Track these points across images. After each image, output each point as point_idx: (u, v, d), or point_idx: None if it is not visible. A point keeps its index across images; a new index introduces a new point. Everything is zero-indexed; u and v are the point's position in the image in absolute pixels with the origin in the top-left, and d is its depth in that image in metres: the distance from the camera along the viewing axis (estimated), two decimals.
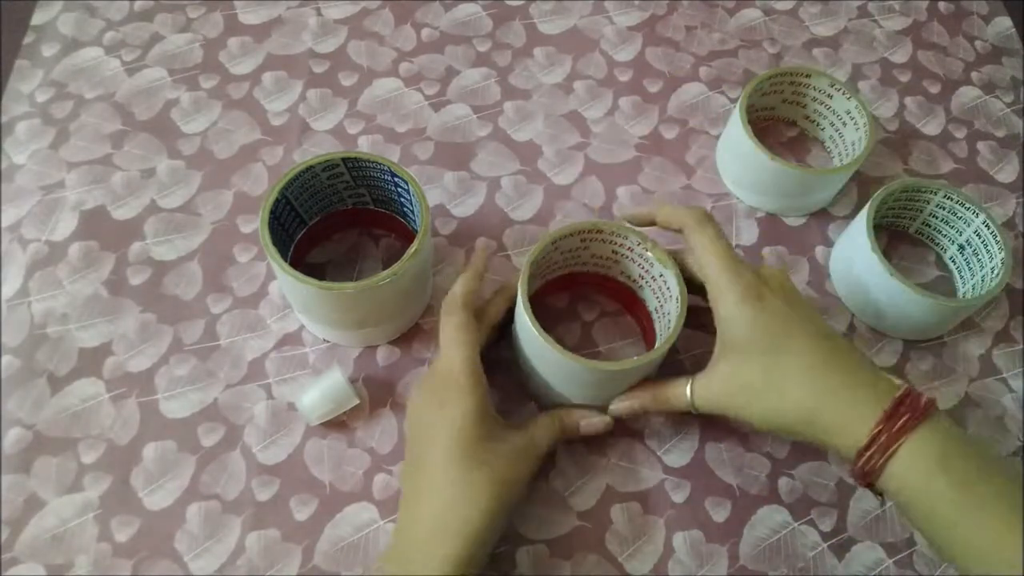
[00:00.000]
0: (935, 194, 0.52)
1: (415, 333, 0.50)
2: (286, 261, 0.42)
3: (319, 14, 0.63)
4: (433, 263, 0.52)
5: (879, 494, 0.39)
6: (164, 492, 0.44)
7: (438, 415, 0.40)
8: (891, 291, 0.48)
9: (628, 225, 0.45)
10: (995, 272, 0.50)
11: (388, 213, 0.51)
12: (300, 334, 0.50)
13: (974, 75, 0.65)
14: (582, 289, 0.52)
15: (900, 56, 0.65)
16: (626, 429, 0.48)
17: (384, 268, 0.42)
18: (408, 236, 0.50)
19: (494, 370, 0.48)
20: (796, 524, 0.46)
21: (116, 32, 0.61)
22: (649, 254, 0.44)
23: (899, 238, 0.56)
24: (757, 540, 0.46)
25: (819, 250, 0.55)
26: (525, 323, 0.41)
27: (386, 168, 0.45)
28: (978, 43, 0.67)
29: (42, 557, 0.42)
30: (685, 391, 0.42)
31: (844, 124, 0.56)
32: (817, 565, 0.45)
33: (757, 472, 0.47)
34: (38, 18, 0.61)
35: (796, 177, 0.52)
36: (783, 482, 0.47)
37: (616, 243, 0.46)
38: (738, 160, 0.55)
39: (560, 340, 0.45)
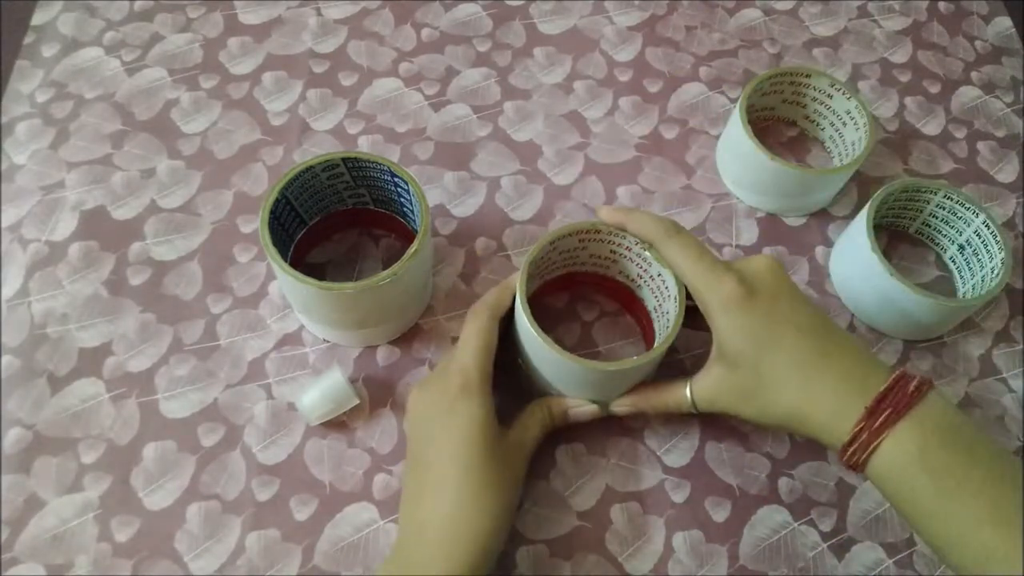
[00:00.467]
0: (935, 194, 0.52)
1: (415, 333, 0.50)
2: (286, 261, 0.42)
3: (319, 14, 0.63)
4: (433, 263, 0.52)
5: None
6: (164, 492, 0.44)
7: (447, 418, 0.40)
8: (891, 291, 0.48)
9: None
10: (995, 272, 0.50)
11: (388, 213, 0.51)
12: (300, 334, 0.50)
13: (974, 75, 0.65)
14: (581, 289, 0.52)
15: (900, 56, 0.65)
16: (626, 429, 0.48)
17: (384, 268, 0.42)
18: (408, 236, 0.50)
19: (498, 371, 0.48)
20: (796, 524, 0.46)
21: (116, 32, 0.61)
22: (647, 253, 0.44)
23: (899, 238, 0.56)
24: (757, 540, 0.46)
25: (819, 250, 0.55)
26: (524, 324, 0.41)
27: (386, 168, 0.45)
28: (978, 43, 0.67)
29: (42, 557, 0.42)
30: (685, 393, 0.42)
31: (844, 124, 0.56)
32: (817, 565, 0.45)
33: (757, 472, 0.47)
34: (38, 18, 0.61)
35: (796, 177, 0.52)
36: (783, 482, 0.47)
37: (614, 243, 0.46)
38: (738, 160, 0.55)
39: (560, 340, 0.45)
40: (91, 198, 0.53)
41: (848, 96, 0.55)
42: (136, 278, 0.51)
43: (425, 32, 0.63)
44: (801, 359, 0.38)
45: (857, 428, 0.36)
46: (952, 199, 0.52)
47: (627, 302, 0.50)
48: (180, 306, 0.50)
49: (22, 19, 0.61)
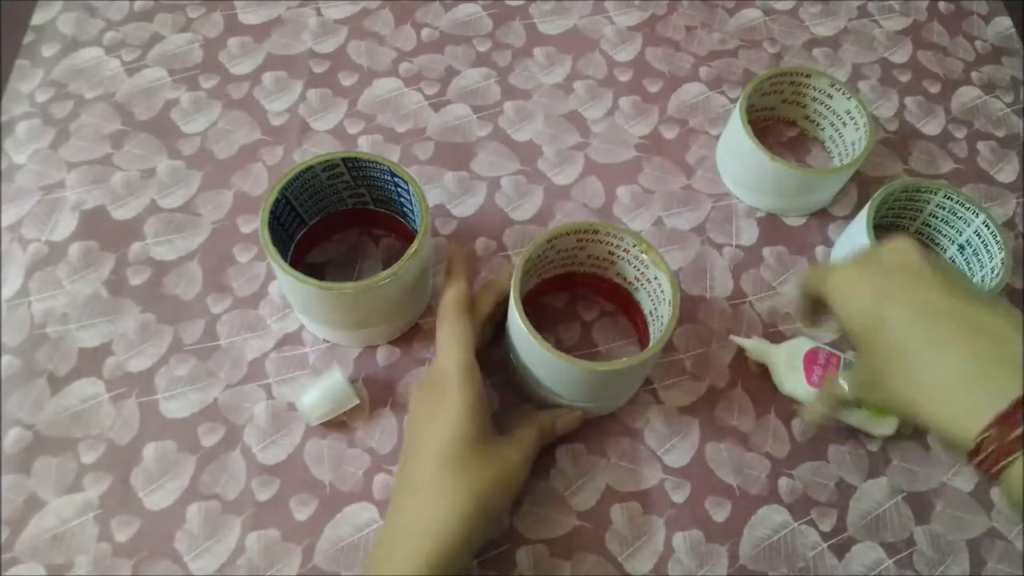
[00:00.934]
0: (935, 194, 0.52)
1: (415, 333, 0.50)
2: (286, 261, 0.42)
3: (319, 14, 0.63)
4: (433, 263, 0.52)
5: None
6: (164, 492, 0.44)
7: (430, 418, 0.41)
8: None
9: (623, 226, 0.45)
10: (995, 272, 0.50)
11: (388, 213, 0.51)
12: (300, 334, 0.50)
13: (974, 75, 0.65)
14: (579, 289, 0.52)
15: (900, 56, 0.65)
16: (626, 429, 0.48)
17: (384, 268, 0.42)
18: (408, 236, 0.50)
19: (493, 370, 0.48)
20: (796, 524, 0.46)
21: (116, 32, 0.61)
22: (644, 256, 0.44)
23: None
24: (757, 540, 0.46)
25: (819, 250, 0.55)
26: (516, 321, 0.41)
27: (386, 168, 0.45)
28: (978, 43, 0.67)
29: (42, 557, 0.42)
30: (841, 383, 0.41)
31: (844, 124, 0.56)
32: (817, 565, 0.45)
33: (757, 472, 0.47)
34: (38, 18, 0.61)
35: (796, 177, 0.52)
36: (783, 482, 0.47)
37: (612, 244, 0.46)
38: (738, 160, 0.55)
39: (560, 340, 0.46)
40: (91, 198, 0.53)
41: (848, 96, 0.55)
42: (136, 278, 0.51)
43: (425, 32, 0.63)
44: (905, 344, 0.33)
45: (982, 438, 0.30)
46: (952, 199, 0.52)
47: (624, 304, 0.50)
48: (180, 306, 0.50)
49: (22, 19, 0.61)
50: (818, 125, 0.59)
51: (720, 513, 0.46)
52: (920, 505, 0.47)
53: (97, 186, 0.54)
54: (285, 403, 0.47)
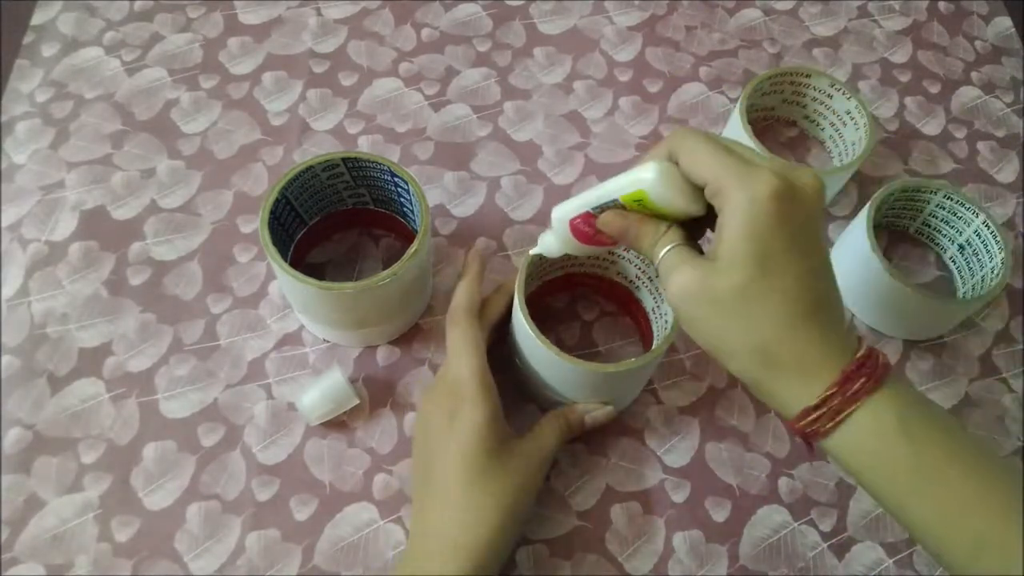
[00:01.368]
0: (935, 194, 0.52)
1: (415, 333, 0.50)
2: (286, 261, 0.42)
3: (319, 14, 0.63)
4: (433, 263, 0.52)
5: (810, 448, 0.35)
6: (164, 492, 0.44)
7: (448, 427, 0.40)
8: (891, 291, 0.48)
9: None
10: (995, 272, 0.50)
11: (388, 213, 0.51)
12: (300, 334, 0.49)
13: (974, 75, 0.65)
14: (580, 289, 0.52)
15: (900, 56, 0.65)
16: (626, 429, 0.48)
17: (384, 268, 0.42)
18: (408, 236, 0.50)
19: (495, 370, 0.48)
20: (796, 524, 0.46)
21: (116, 32, 0.61)
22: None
23: (899, 238, 0.56)
24: (757, 540, 0.46)
25: None
26: (522, 324, 0.41)
27: (386, 168, 0.45)
28: (978, 43, 0.67)
29: (42, 557, 0.42)
30: (656, 250, 0.35)
31: (844, 124, 0.56)
32: (817, 565, 0.45)
33: (757, 472, 0.47)
34: (38, 18, 0.61)
35: None
36: (783, 482, 0.47)
37: None
38: None
39: (560, 340, 0.45)
40: (91, 198, 0.53)
41: (848, 96, 0.55)
42: (136, 278, 0.51)
43: (425, 32, 0.63)
44: (798, 296, 0.32)
45: (829, 392, 0.32)
46: (952, 199, 0.52)
47: (625, 303, 0.50)
48: (180, 306, 0.50)
49: (22, 19, 0.61)
50: (818, 125, 0.59)
51: (720, 513, 0.46)
52: None
53: (97, 186, 0.54)
54: (285, 403, 0.47)
